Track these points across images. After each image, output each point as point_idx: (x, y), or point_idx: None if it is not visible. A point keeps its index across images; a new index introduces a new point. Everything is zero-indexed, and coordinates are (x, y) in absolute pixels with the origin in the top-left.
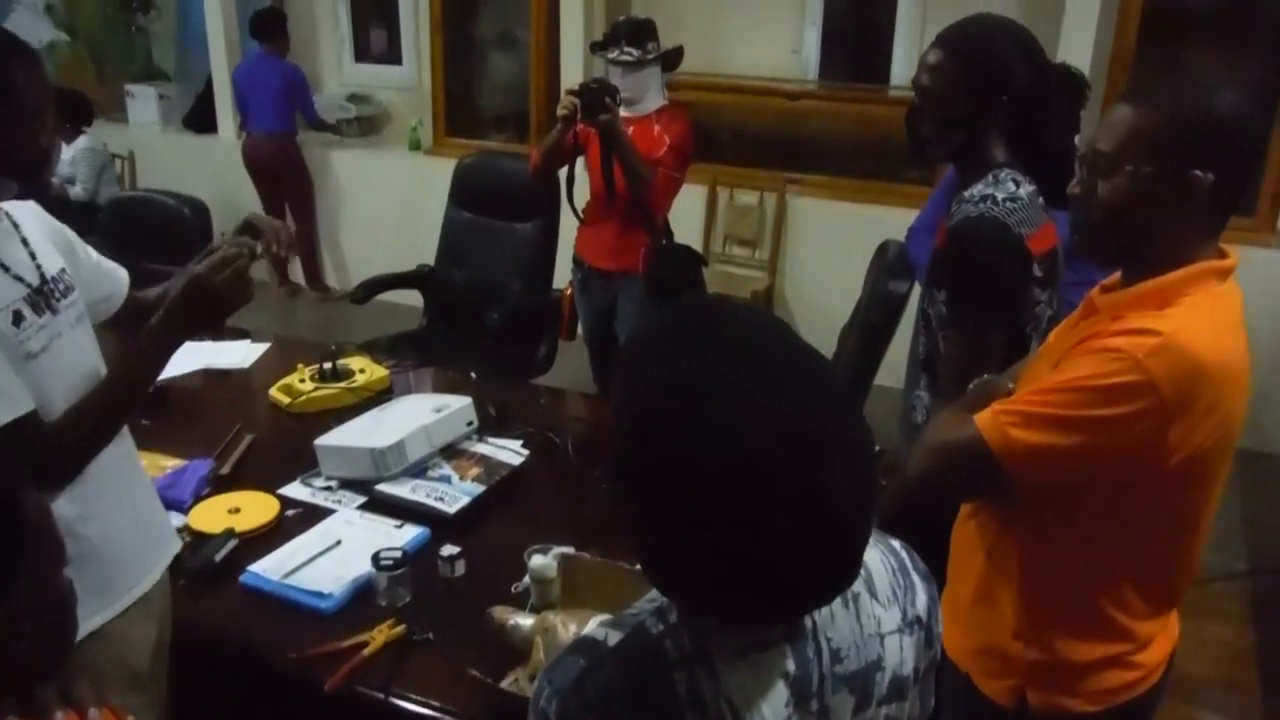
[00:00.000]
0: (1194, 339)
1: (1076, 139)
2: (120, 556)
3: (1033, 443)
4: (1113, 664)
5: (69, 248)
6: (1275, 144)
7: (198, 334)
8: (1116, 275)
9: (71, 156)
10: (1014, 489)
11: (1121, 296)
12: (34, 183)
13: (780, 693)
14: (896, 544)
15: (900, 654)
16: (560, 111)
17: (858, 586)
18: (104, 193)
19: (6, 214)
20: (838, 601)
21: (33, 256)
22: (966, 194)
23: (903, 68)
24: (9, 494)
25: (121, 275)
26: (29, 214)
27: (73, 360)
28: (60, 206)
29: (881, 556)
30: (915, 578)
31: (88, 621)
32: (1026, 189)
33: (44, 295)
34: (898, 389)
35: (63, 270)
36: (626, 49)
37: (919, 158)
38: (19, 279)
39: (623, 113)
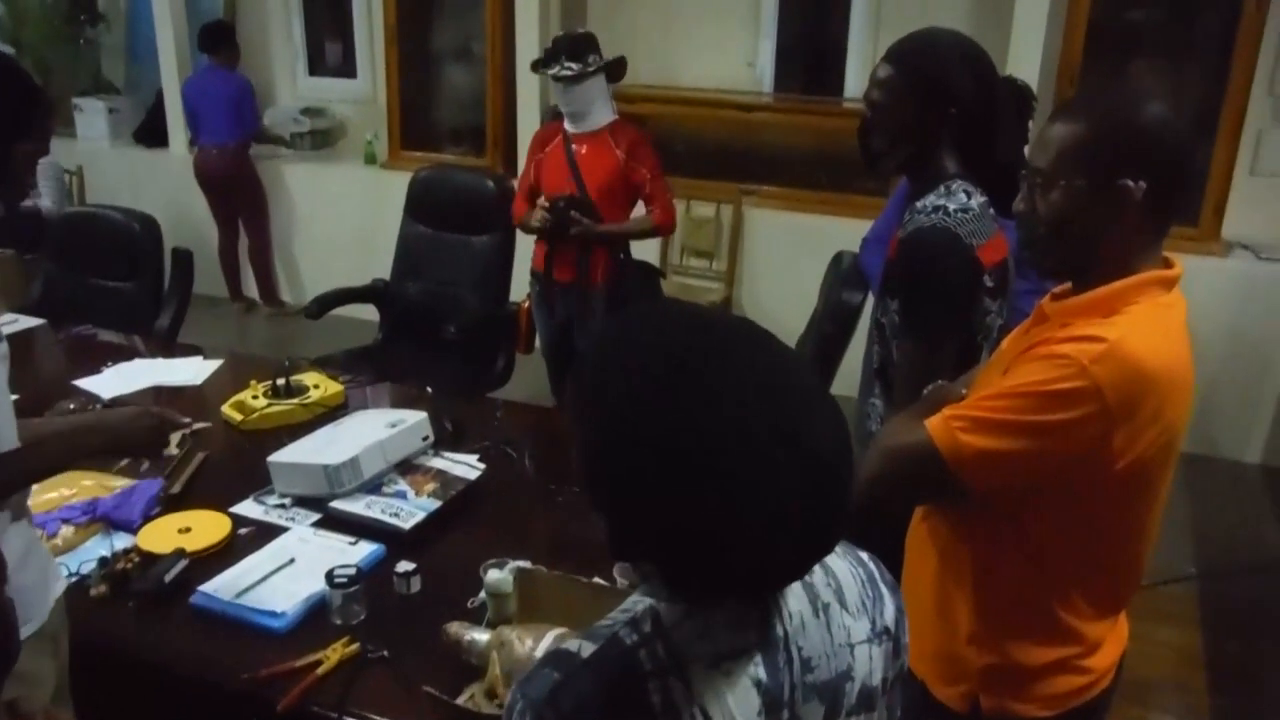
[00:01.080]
0: (1138, 346)
1: (1026, 149)
2: (18, 591)
3: (981, 447)
4: (1063, 668)
5: None
6: (1217, 154)
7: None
8: (1068, 284)
9: None
10: (964, 493)
11: (1070, 304)
12: (9, 207)
13: (752, 701)
14: (865, 556)
15: (870, 664)
16: (534, 224)
17: (828, 597)
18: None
19: None
20: (809, 611)
21: None
22: (919, 205)
23: (856, 80)
24: None
25: None
26: None
27: None
28: (3, 224)
29: (850, 568)
30: (883, 589)
31: None
32: (978, 200)
33: None
34: (852, 398)
35: None
36: (567, 64)
37: (872, 170)
38: None
39: (573, 130)
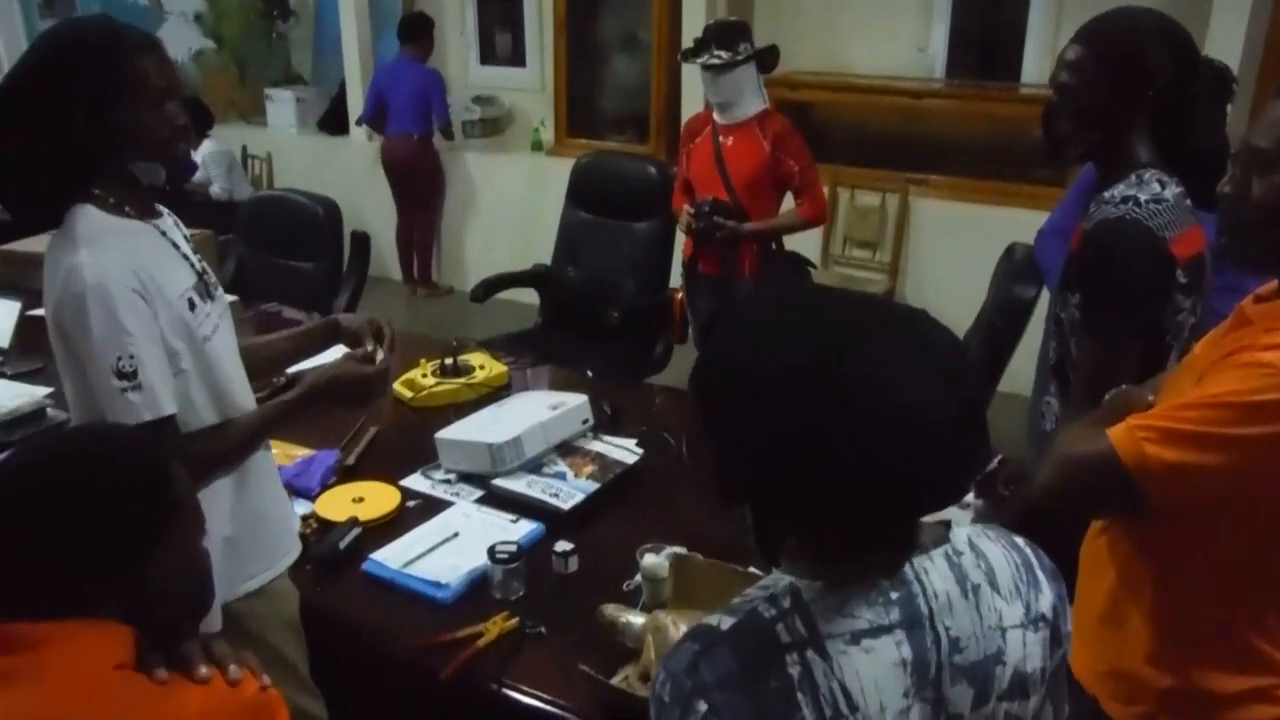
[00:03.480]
0: None
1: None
2: (278, 524)
3: (1170, 460)
4: (1258, 698)
5: None
6: None
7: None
8: (1273, 284)
9: (201, 160)
10: (1147, 508)
11: (1277, 306)
12: (174, 163)
13: (897, 680)
14: (1021, 541)
15: (1024, 650)
16: (683, 230)
17: (978, 578)
18: (238, 191)
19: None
20: (956, 591)
21: (194, 250)
22: (1107, 194)
23: (1034, 65)
24: (164, 468)
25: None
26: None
27: (228, 350)
28: (204, 207)
29: (1004, 551)
30: (1040, 574)
31: (258, 579)
32: (1173, 190)
33: (205, 284)
34: (1022, 396)
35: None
36: (716, 52)
37: (1056, 157)
38: (191, 265)
39: (721, 120)
